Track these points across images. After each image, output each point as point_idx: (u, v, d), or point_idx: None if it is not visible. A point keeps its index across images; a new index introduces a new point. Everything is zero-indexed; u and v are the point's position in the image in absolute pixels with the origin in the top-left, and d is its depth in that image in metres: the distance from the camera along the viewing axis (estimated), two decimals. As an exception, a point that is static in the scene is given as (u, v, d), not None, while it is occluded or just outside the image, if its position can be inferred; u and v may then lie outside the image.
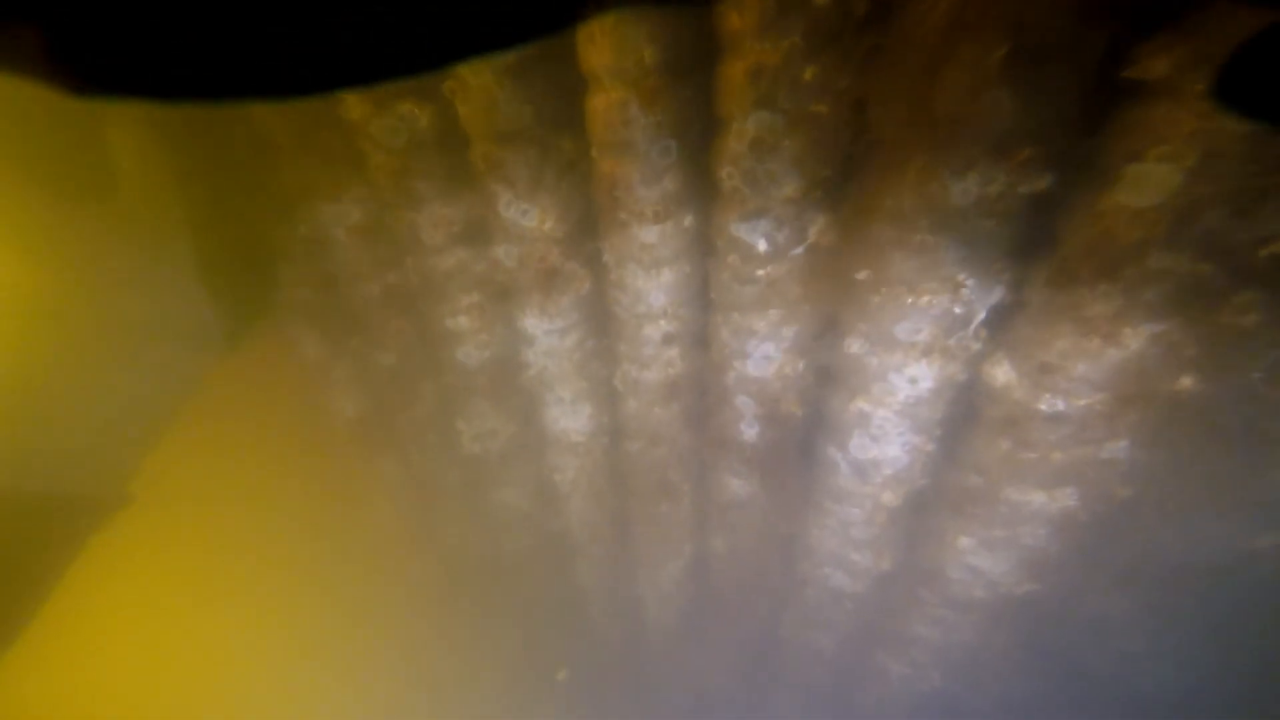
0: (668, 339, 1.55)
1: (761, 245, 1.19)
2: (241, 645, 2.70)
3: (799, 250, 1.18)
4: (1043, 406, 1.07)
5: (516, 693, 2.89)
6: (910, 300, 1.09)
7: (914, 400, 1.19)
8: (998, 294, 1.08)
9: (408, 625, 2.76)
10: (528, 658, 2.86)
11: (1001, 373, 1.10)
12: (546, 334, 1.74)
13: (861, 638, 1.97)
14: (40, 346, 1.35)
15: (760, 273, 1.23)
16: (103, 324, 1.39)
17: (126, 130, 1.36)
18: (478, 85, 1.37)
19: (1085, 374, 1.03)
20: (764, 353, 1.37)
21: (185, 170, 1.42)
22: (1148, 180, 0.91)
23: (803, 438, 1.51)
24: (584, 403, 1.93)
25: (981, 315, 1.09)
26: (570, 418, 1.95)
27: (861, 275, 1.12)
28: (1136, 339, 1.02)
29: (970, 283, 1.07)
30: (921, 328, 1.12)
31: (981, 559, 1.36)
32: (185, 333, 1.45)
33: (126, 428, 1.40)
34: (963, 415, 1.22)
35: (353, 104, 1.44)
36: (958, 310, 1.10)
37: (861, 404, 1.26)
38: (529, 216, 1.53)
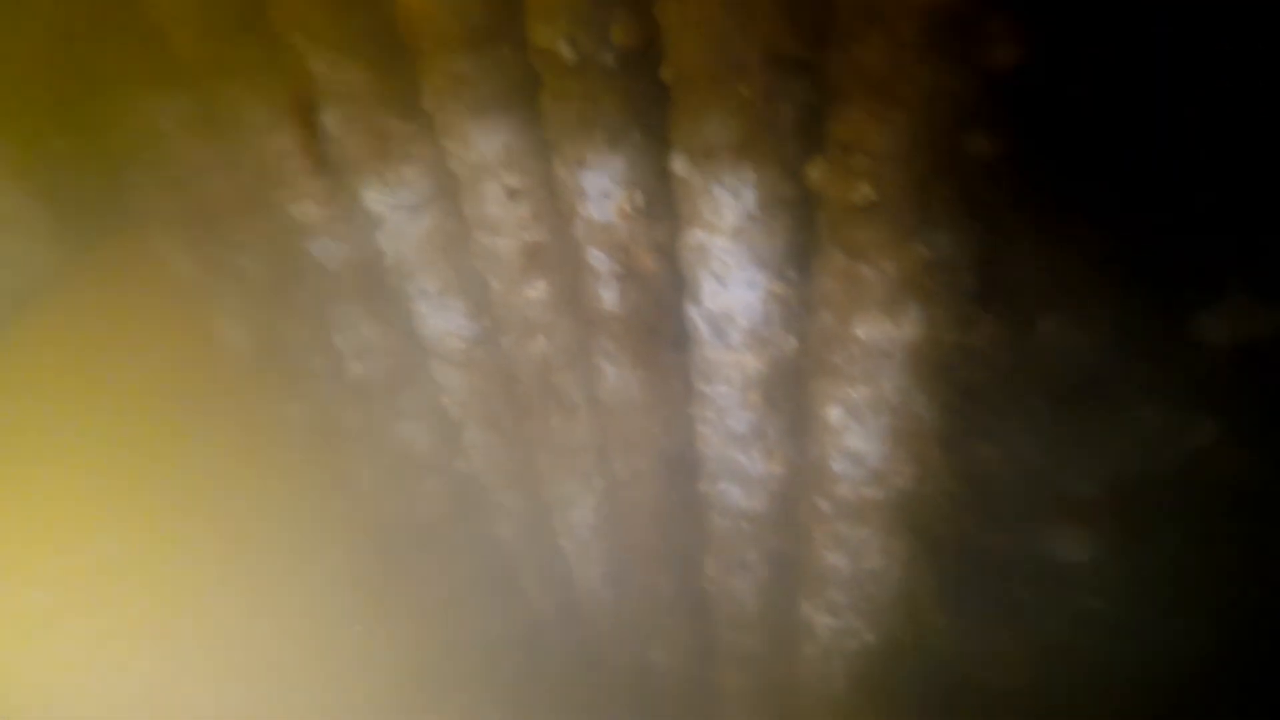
0: (513, 194, 1.36)
1: (566, 52, 1.00)
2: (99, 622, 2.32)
3: (608, 57, 1.00)
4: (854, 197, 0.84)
5: (444, 677, 2.57)
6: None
7: (744, 219, 0.97)
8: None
9: (322, 605, 2.45)
10: (464, 637, 2.56)
11: (816, 170, 0.88)
12: (393, 211, 1.55)
13: (778, 580, 1.63)
14: None
15: (575, 86, 1.04)
16: None
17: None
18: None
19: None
20: (600, 187, 1.18)
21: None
22: None
23: (664, 296, 1.28)
24: (454, 296, 1.72)
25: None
26: (441, 316, 1.74)
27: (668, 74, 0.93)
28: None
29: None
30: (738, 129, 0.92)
31: (855, 435, 1.13)
32: (22, 223, 1.25)
33: None
34: (804, 240, 1.00)
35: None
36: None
37: (699, 233, 1.06)
38: (344, 71, 1.34)
